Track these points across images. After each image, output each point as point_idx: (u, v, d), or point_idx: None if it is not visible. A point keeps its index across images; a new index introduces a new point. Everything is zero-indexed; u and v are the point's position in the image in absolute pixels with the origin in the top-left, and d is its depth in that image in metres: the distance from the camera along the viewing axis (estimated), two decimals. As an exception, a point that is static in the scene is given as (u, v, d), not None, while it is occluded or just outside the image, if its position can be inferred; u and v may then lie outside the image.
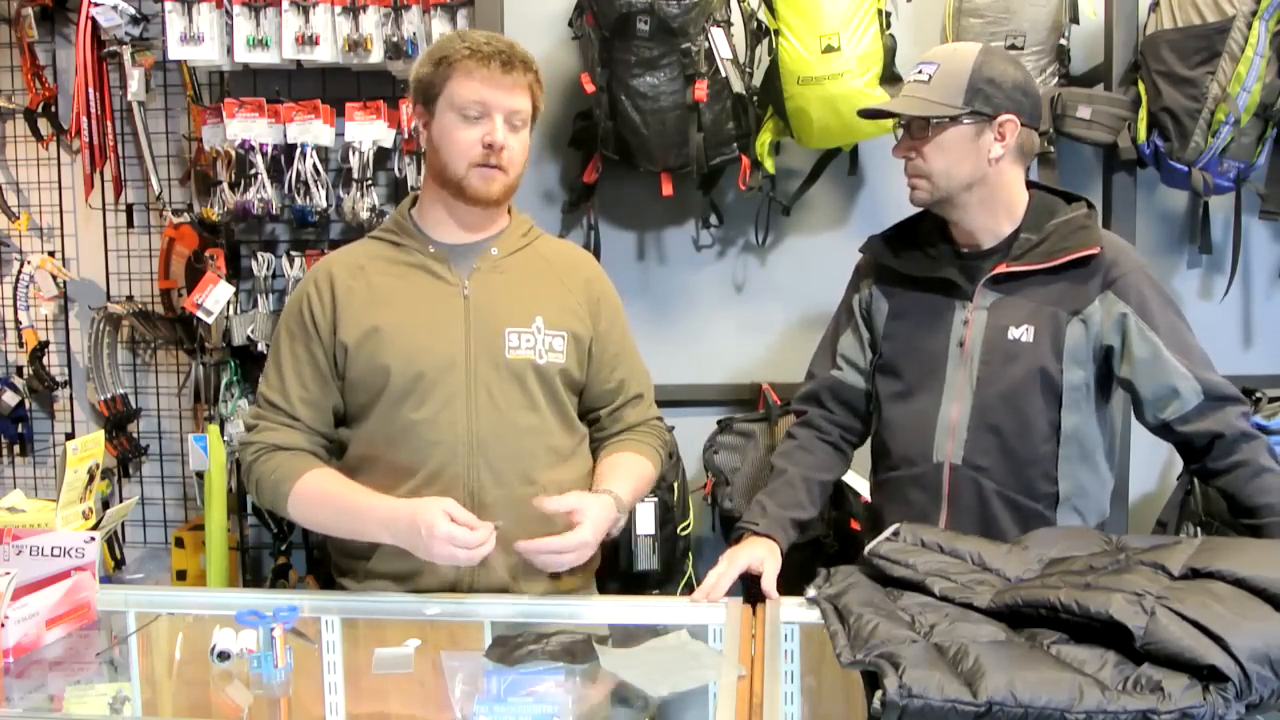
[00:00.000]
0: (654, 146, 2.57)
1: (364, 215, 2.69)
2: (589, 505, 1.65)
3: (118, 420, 3.05)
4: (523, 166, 1.76)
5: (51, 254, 3.09)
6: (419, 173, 2.72)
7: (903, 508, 1.85)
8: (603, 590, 1.99)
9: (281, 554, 2.85)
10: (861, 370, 1.95)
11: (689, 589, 2.59)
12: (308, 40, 2.64)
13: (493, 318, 1.74)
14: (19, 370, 3.13)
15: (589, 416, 1.88)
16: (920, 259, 1.88)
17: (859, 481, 2.51)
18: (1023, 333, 1.77)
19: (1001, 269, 1.79)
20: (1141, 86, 2.47)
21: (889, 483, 1.91)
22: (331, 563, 1.85)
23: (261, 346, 2.80)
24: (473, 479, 1.70)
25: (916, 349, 1.86)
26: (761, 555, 1.73)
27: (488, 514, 1.64)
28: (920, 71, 1.80)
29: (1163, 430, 1.79)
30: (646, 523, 2.46)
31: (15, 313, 3.08)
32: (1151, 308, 1.75)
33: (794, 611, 1.60)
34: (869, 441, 2.00)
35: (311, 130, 2.69)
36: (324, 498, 1.70)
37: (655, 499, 2.48)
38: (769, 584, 1.68)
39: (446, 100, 1.70)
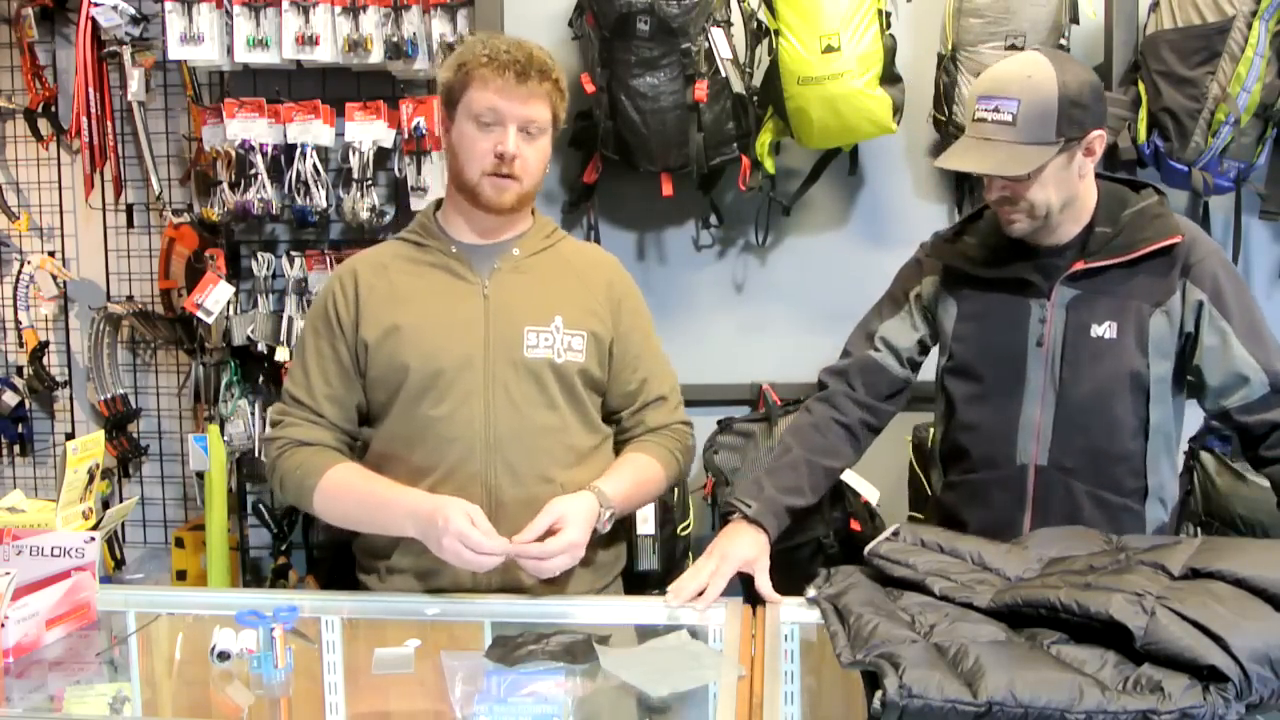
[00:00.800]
0: (654, 146, 2.57)
1: (364, 215, 2.69)
2: (566, 510, 1.63)
3: (118, 420, 3.05)
4: (540, 174, 1.75)
5: (51, 254, 3.09)
6: (419, 173, 2.72)
7: (982, 510, 1.80)
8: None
9: (281, 554, 2.86)
10: (900, 357, 1.89)
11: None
12: (308, 40, 2.64)
13: (512, 316, 1.74)
14: (19, 370, 3.13)
15: (612, 418, 1.87)
16: (991, 259, 1.81)
17: (859, 481, 2.51)
18: (1106, 329, 1.72)
19: (1079, 266, 1.74)
20: (1141, 86, 2.47)
21: (965, 485, 1.85)
22: (355, 562, 1.85)
23: (261, 347, 2.80)
24: (490, 477, 1.70)
25: (992, 350, 1.80)
26: (752, 556, 1.68)
27: (505, 512, 1.65)
28: (997, 109, 1.67)
29: (1222, 417, 1.76)
30: (646, 523, 2.46)
31: (15, 313, 3.08)
32: (1226, 295, 1.71)
33: (794, 611, 1.59)
34: (939, 444, 1.92)
35: (311, 130, 2.69)
36: (350, 492, 1.70)
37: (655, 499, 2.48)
38: (764, 587, 1.66)
39: (464, 107, 1.70)
